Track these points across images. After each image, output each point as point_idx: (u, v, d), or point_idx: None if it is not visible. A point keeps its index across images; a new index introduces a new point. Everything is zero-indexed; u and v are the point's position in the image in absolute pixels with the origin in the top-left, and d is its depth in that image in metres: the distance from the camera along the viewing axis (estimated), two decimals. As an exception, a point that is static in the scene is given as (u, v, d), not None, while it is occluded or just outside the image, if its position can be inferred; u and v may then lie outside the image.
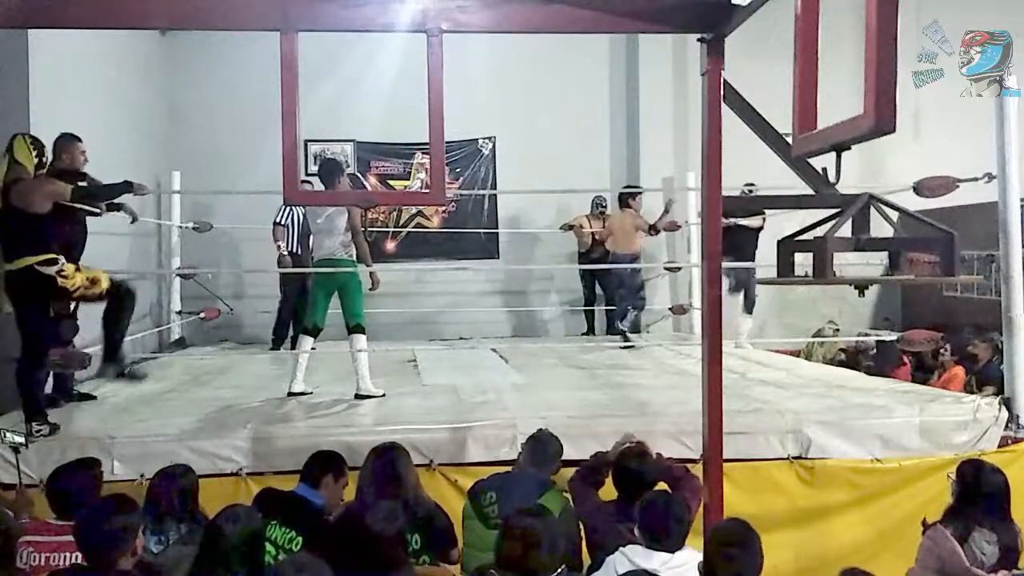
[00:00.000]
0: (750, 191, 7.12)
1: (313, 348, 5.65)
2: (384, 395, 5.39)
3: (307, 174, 8.87)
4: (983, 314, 7.56)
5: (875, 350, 7.78)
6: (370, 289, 5.72)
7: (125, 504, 2.78)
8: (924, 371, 7.35)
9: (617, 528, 3.19)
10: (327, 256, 5.54)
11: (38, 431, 4.30)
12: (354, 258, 5.56)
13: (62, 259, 4.41)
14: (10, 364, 5.04)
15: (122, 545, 2.65)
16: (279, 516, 3.17)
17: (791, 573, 4.31)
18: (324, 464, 3.45)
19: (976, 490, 3.27)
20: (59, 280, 4.35)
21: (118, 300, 4.63)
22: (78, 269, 4.51)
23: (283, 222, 7.71)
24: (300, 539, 3.13)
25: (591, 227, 9.09)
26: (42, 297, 4.41)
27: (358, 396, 5.33)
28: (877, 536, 4.38)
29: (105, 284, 4.54)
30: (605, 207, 9.12)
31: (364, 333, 5.51)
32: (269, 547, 3.05)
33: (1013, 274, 4.74)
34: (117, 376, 4.82)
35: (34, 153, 4.43)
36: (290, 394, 5.44)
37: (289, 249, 7.69)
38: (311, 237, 7.60)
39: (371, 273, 5.75)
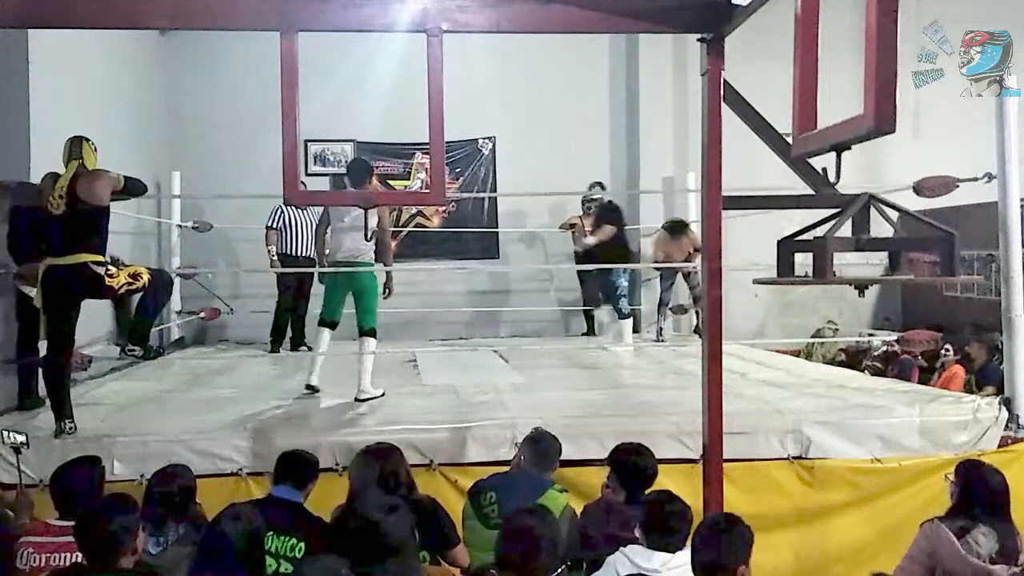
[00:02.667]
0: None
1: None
2: (383, 394, 5.38)
3: (307, 174, 8.92)
4: (983, 314, 7.55)
5: (879, 352, 7.77)
6: (384, 297, 5.69)
7: (124, 503, 2.78)
8: (923, 371, 7.34)
9: (615, 523, 3.20)
10: (350, 256, 5.47)
11: (70, 429, 4.34)
12: (374, 260, 5.54)
13: (108, 260, 4.47)
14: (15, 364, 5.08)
15: (123, 544, 2.65)
16: (271, 526, 3.00)
17: (791, 573, 4.31)
18: (308, 465, 3.40)
19: (974, 491, 3.27)
20: (105, 279, 4.37)
21: (156, 288, 4.65)
22: (117, 266, 4.54)
23: (275, 225, 7.71)
24: (302, 544, 3.06)
25: (584, 226, 9.10)
26: (86, 294, 4.44)
27: (358, 400, 5.28)
28: (877, 536, 4.38)
29: (146, 277, 4.57)
30: (594, 204, 9.14)
31: (375, 337, 5.50)
32: (270, 560, 2.96)
33: (1013, 274, 4.74)
34: (143, 357, 4.86)
35: (96, 155, 4.46)
36: (308, 387, 5.45)
37: (283, 251, 7.67)
38: (305, 237, 7.64)
39: (388, 278, 5.70)
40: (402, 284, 8.79)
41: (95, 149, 4.50)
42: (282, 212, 7.64)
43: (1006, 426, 4.64)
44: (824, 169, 3.07)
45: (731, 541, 2.65)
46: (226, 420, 4.70)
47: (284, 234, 7.71)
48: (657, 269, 8.35)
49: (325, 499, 3.40)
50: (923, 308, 9.45)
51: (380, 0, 3.50)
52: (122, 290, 4.47)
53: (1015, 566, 3.09)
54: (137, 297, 4.71)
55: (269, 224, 7.74)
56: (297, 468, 3.37)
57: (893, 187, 5.56)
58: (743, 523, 2.72)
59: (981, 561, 3.09)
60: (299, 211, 7.65)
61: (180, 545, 3.06)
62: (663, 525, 2.96)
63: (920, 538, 3.29)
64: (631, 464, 3.49)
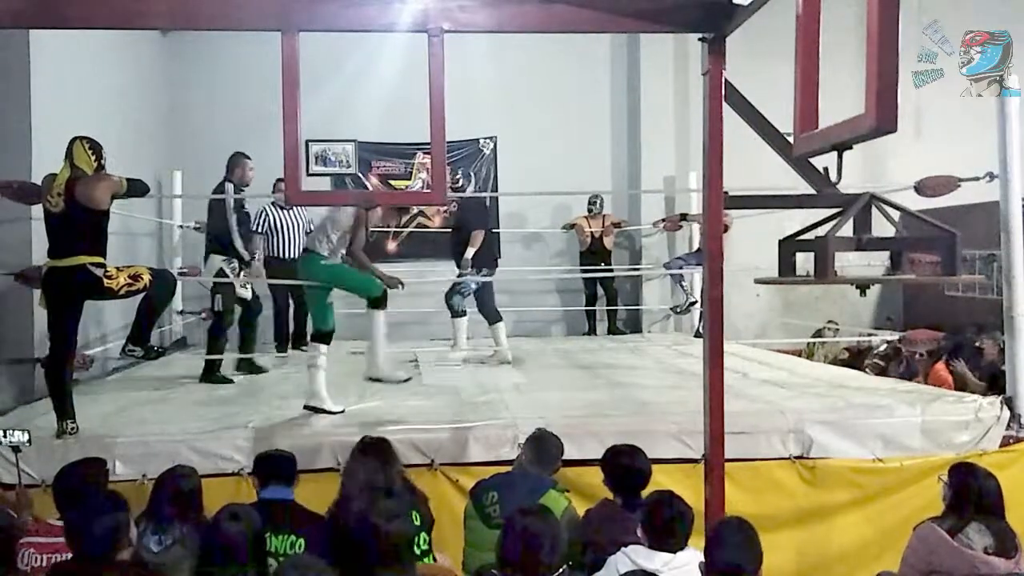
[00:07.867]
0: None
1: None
2: (343, 411, 4.89)
3: (308, 174, 8.89)
4: (985, 314, 7.55)
5: (880, 351, 7.75)
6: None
7: (114, 503, 2.77)
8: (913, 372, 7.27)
9: (617, 526, 3.19)
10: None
11: (72, 429, 4.34)
12: (323, 253, 5.08)
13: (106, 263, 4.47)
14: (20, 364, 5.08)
15: (114, 544, 2.65)
16: (269, 525, 2.99)
17: (793, 573, 4.30)
18: (288, 461, 3.39)
19: (968, 494, 3.26)
20: (105, 281, 4.38)
21: (158, 288, 4.64)
22: (119, 268, 4.54)
23: (260, 230, 7.40)
24: (302, 541, 3.07)
25: (589, 226, 9.15)
26: (85, 296, 4.45)
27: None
28: (879, 536, 4.37)
29: (147, 278, 4.57)
30: (601, 205, 9.19)
31: (324, 343, 5.03)
32: (271, 560, 2.93)
33: (1015, 274, 4.73)
34: (143, 357, 4.81)
35: (92, 156, 4.45)
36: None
37: (271, 254, 7.42)
38: (293, 239, 7.50)
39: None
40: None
41: (90, 148, 4.44)
42: (267, 215, 7.42)
43: (1008, 425, 4.64)
44: (826, 169, 3.07)
45: (750, 546, 2.62)
46: (227, 420, 4.70)
47: (271, 237, 7.46)
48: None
49: (327, 498, 3.38)
50: (925, 308, 9.45)
51: (381, 0, 3.50)
52: (122, 292, 4.48)
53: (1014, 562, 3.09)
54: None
55: (254, 229, 7.52)
56: (279, 467, 3.37)
57: (894, 187, 5.56)
58: (752, 528, 2.69)
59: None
60: (285, 213, 7.42)
61: (182, 545, 3.06)
62: (665, 525, 2.96)
63: (914, 541, 3.29)
64: (622, 467, 3.49)
